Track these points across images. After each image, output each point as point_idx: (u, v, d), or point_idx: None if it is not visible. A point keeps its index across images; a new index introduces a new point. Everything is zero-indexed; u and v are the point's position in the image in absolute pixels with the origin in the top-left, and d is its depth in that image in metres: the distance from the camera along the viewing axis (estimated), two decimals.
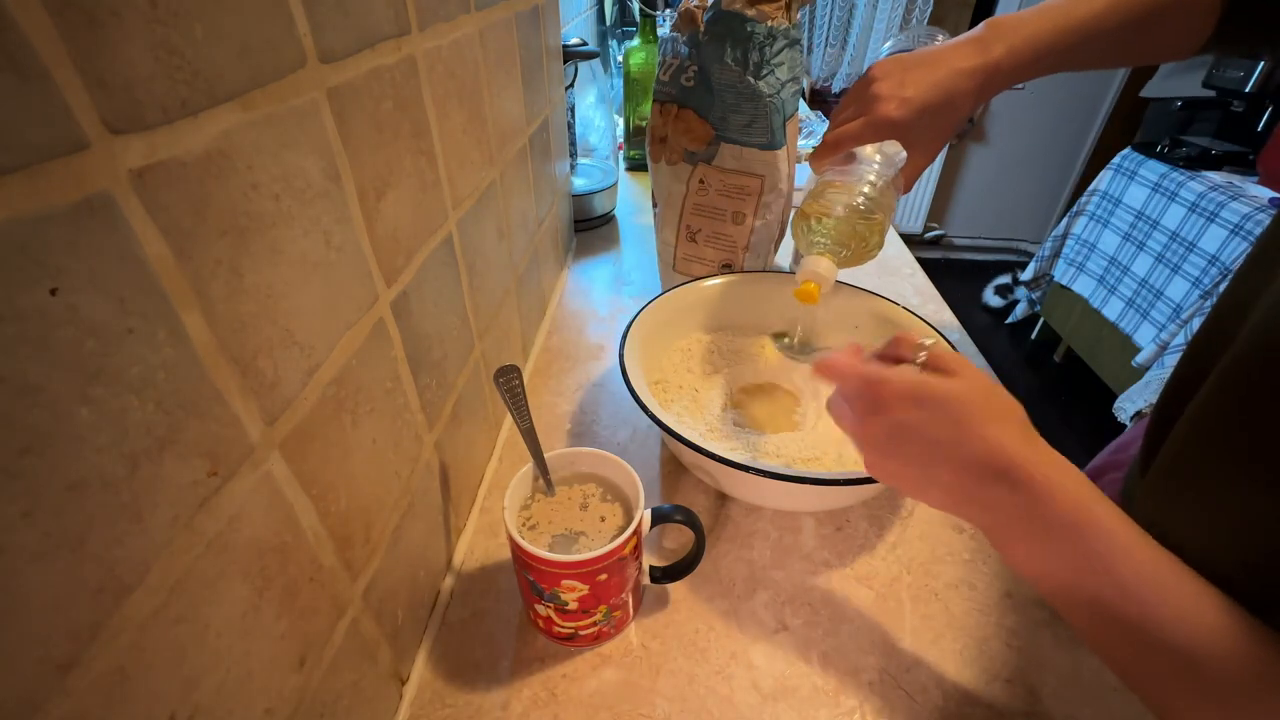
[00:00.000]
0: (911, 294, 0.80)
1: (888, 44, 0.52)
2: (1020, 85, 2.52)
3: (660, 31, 1.05)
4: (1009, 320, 2.51)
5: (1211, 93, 1.89)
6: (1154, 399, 1.64)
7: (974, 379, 0.32)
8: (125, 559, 0.17)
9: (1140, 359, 1.76)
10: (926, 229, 2.98)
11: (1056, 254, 2.21)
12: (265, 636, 0.24)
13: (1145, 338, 1.78)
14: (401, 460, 0.36)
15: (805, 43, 2.46)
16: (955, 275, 2.92)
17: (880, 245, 0.47)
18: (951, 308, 0.77)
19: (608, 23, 1.36)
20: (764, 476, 0.39)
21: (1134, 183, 1.91)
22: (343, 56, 0.27)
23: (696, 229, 0.68)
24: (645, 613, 0.42)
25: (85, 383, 0.16)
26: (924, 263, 0.88)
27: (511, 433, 0.58)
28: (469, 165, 0.44)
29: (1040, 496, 0.28)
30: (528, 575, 0.36)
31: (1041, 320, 2.38)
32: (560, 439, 0.57)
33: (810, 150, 0.52)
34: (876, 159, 0.48)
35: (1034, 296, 2.36)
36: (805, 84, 2.50)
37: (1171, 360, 1.64)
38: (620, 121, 1.15)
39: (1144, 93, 2.17)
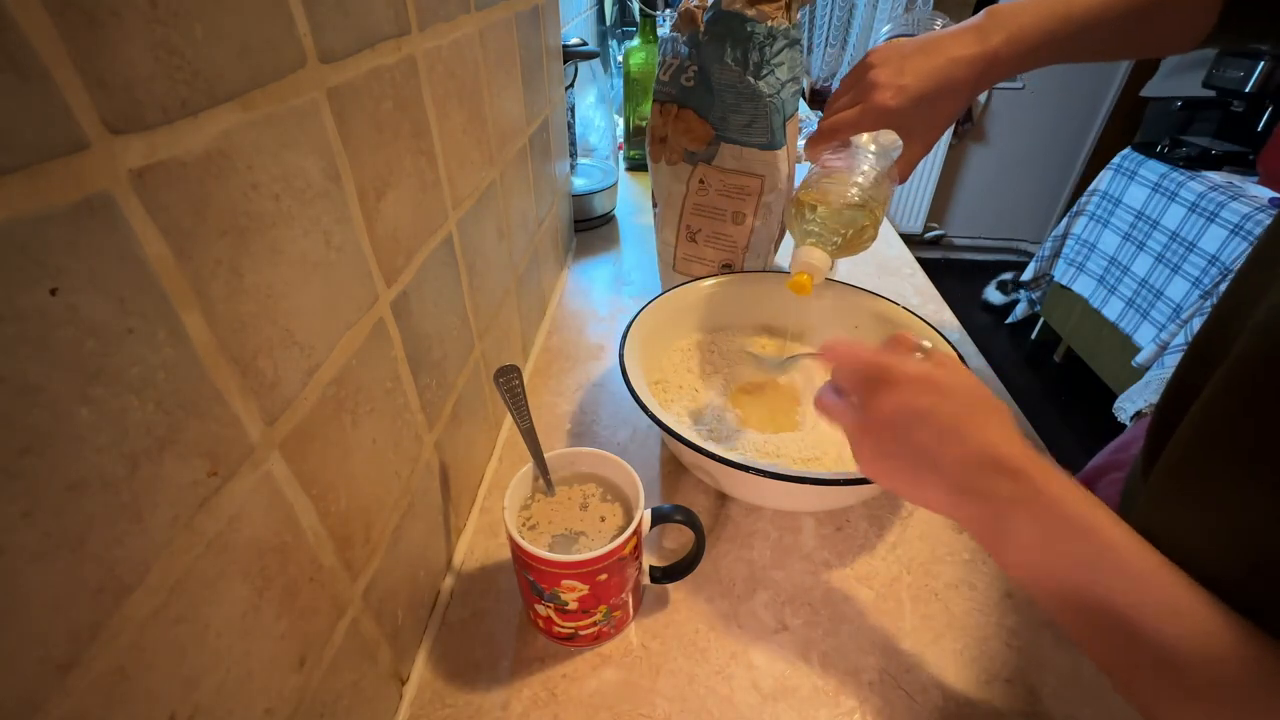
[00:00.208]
0: (911, 294, 0.80)
1: (887, 27, 0.52)
2: (1020, 84, 2.51)
3: (660, 31, 1.05)
4: (1009, 320, 2.51)
5: (1211, 93, 1.89)
6: (1154, 399, 1.64)
7: (973, 380, 0.32)
8: (125, 559, 0.17)
9: (1140, 359, 1.76)
10: (926, 229, 2.98)
11: (1056, 254, 2.21)
12: (265, 636, 0.24)
13: (1145, 338, 1.78)
14: (401, 460, 0.36)
15: (805, 43, 2.46)
16: (955, 275, 2.92)
17: (875, 236, 0.47)
18: (951, 308, 0.77)
19: (608, 23, 1.36)
20: (764, 476, 0.39)
21: (1134, 183, 1.91)
22: (343, 56, 0.27)
23: (696, 229, 0.68)
24: (645, 613, 0.42)
25: (85, 383, 0.16)
26: (924, 263, 0.88)
27: (511, 433, 0.58)
28: (469, 165, 0.44)
29: (1040, 491, 0.28)
30: (528, 575, 0.36)
31: (1041, 320, 2.38)
32: (560, 439, 0.57)
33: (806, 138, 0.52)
34: (872, 148, 0.48)
35: (1034, 296, 2.36)
36: (805, 84, 2.50)
37: (1171, 360, 1.64)
38: (620, 121, 1.15)
39: (1144, 92, 2.17)
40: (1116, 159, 2.01)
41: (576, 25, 1.07)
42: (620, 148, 1.14)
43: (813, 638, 0.41)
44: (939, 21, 0.53)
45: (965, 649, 0.40)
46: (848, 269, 0.82)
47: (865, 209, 0.45)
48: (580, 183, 0.93)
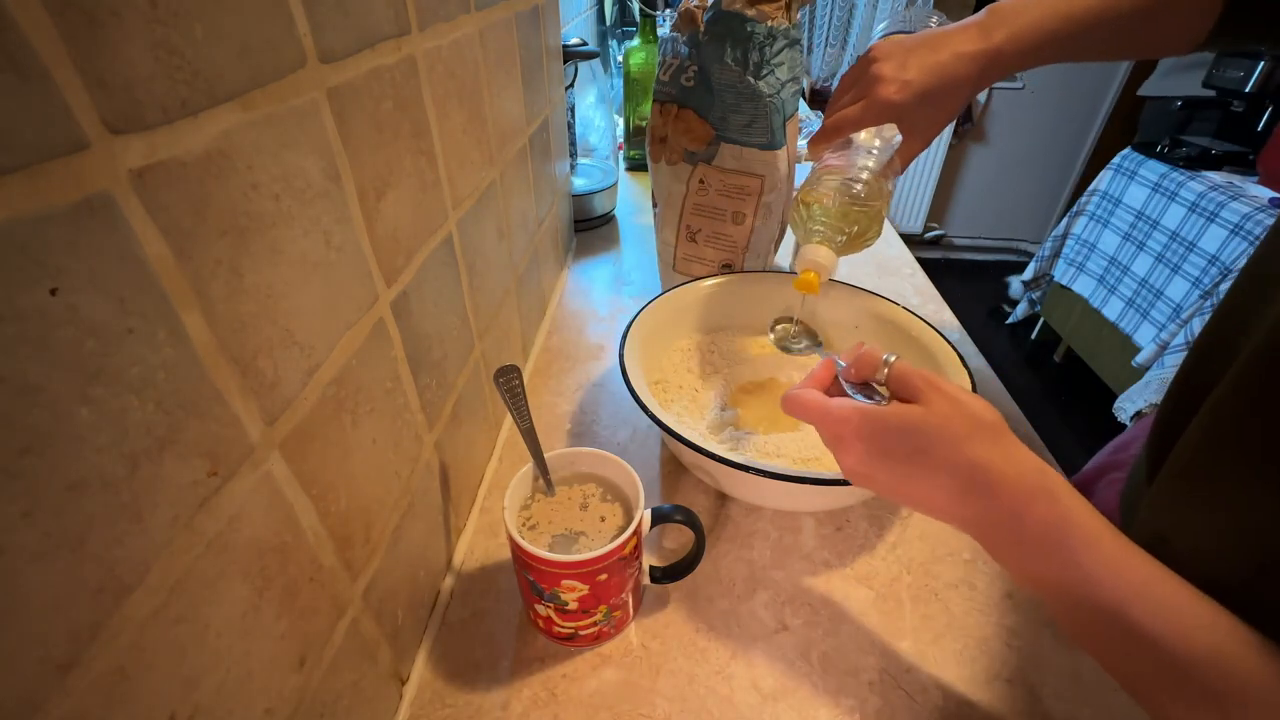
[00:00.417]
0: (911, 294, 0.80)
1: (883, 24, 0.51)
2: (1020, 84, 2.51)
3: (660, 31, 1.05)
4: (1009, 320, 2.51)
5: (1211, 92, 1.89)
6: (1154, 399, 1.64)
7: (936, 399, 0.31)
8: (125, 559, 0.17)
9: (1140, 359, 1.76)
10: (926, 229, 2.98)
11: (1056, 254, 2.21)
12: (265, 636, 0.24)
13: (1145, 338, 1.78)
14: (401, 460, 0.36)
15: (805, 43, 2.46)
16: (955, 275, 2.92)
17: (879, 233, 0.46)
18: (951, 308, 0.77)
19: (608, 23, 1.36)
20: (764, 476, 0.39)
21: (1134, 183, 1.91)
22: (343, 56, 0.27)
23: (696, 229, 0.68)
24: (645, 613, 0.42)
25: (85, 383, 0.16)
26: (924, 263, 0.88)
27: (511, 433, 0.58)
28: (469, 165, 0.44)
29: (1017, 508, 0.28)
30: (528, 575, 0.36)
31: (1041, 320, 2.38)
32: (560, 439, 0.57)
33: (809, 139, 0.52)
34: (875, 144, 0.47)
35: (1034, 296, 2.36)
36: (805, 84, 2.50)
37: (1172, 360, 1.64)
38: (620, 121, 1.15)
39: (1142, 91, 2.17)
40: (1116, 159, 2.01)
41: (576, 25, 1.07)
42: (620, 148, 1.14)
43: (813, 638, 0.41)
44: (934, 19, 0.53)
45: (965, 649, 0.40)
46: (848, 269, 0.82)
47: (869, 205, 0.45)
48: (580, 183, 0.93)
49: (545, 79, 0.67)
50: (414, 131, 0.35)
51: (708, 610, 0.42)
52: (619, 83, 1.13)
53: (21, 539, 0.15)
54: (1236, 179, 1.71)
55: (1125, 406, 1.69)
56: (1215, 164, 1.78)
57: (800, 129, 1.14)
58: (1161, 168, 1.83)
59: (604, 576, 0.35)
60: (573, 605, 0.36)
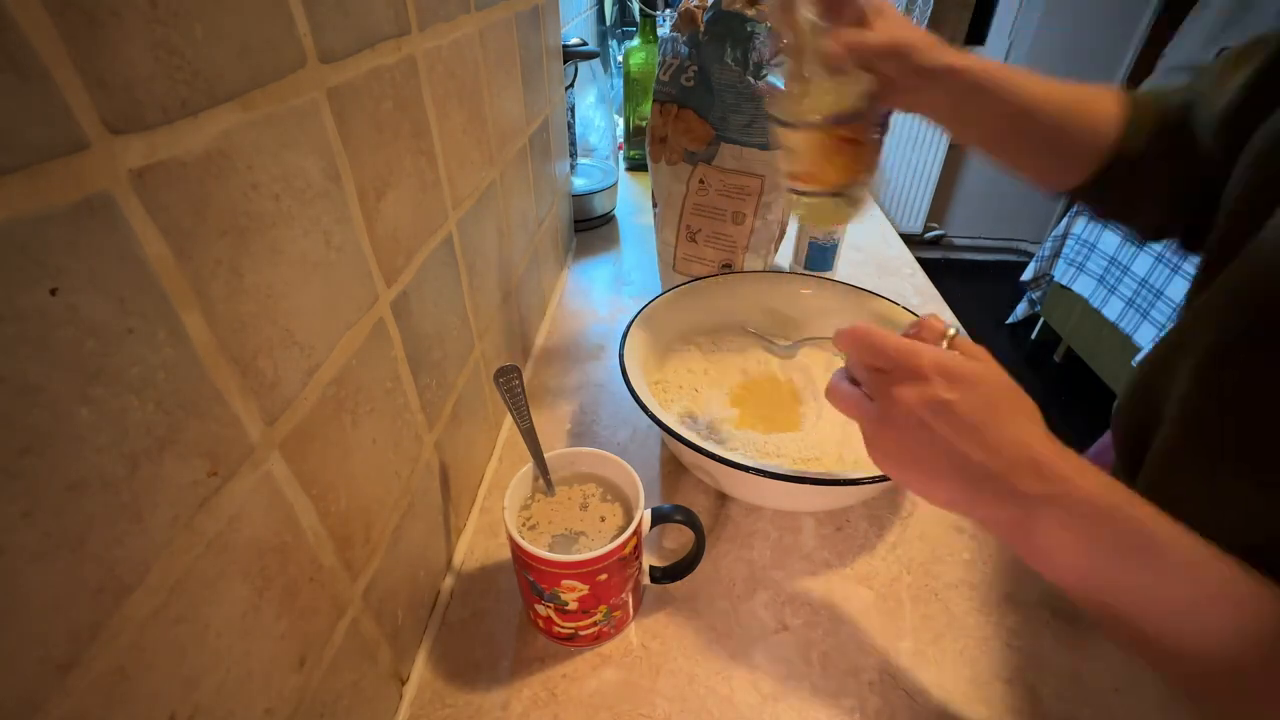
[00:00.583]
0: (911, 294, 0.80)
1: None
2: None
3: (660, 31, 1.05)
4: (1009, 320, 2.51)
5: None
6: None
7: (999, 371, 0.31)
8: (125, 559, 0.17)
9: (1140, 359, 1.76)
10: (926, 229, 2.98)
11: (1056, 254, 2.21)
12: (265, 636, 0.24)
13: (1145, 338, 1.78)
14: (401, 460, 0.36)
15: None
16: (955, 275, 2.92)
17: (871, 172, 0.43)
18: (951, 308, 0.77)
19: (608, 23, 1.36)
20: (764, 476, 0.39)
21: None
22: (343, 56, 0.27)
23: (696, 229, 0.68)
24: (645, 613, 0.42)
25: (85, 383, 0.16)
26: (924, 263, 0.88)
27: (511, 433, 0.58)
28: (469, 165, 0.44)
29: (1072, 488, 0.28)
30: (528, 575, 0.36)
31: (1041, 320, 2.37)
32: (560, 439, 0.57)
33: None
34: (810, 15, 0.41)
35: (1034, 296, 2.36)
36: None
37: None
38: (620, 121, 1.15)
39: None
40: None
41: (576, 25, 1.07)
42: (620, 148, 1.14)
43: (813, 638, 0.41)
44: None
45: (965, 649, 0.40)
46: (848, 270, 0.82)
47: (836, 84, 0.41)
48: (580, 183, 0.93)
49: (545, 79, 0.67)
50: (414, 131, 0.35)
51: (708, 610, 0.42)
52: (619, 83, 1.13)
53: (21, 539, 0.15)
54: None
55: None
56: None
57: None
58: None
59: (604, 576, 0.35)
60: (573, 605, 0.36)
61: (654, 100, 0.65)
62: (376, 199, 0.31)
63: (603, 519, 0.39)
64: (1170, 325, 1.70)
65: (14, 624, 0.15)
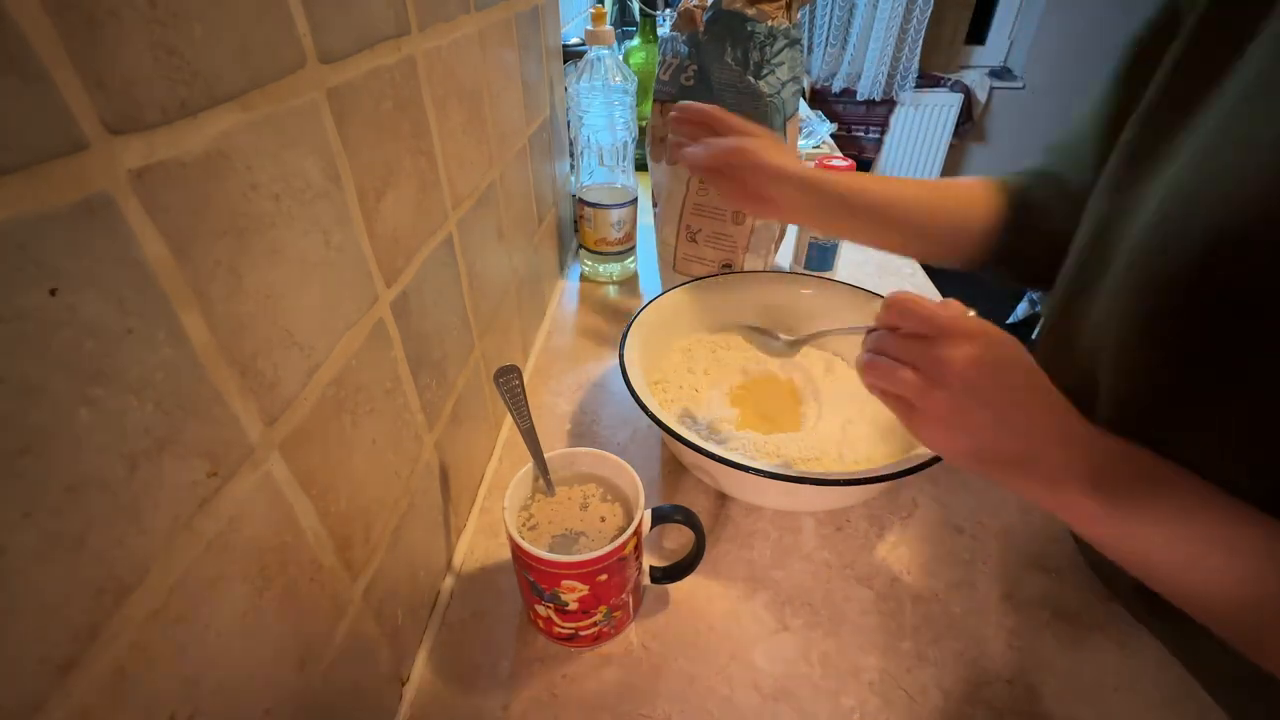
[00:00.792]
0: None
1: None
2: (1020, 84, 2.50)
3: (660, 31, 1.05)
4: (1009, 320, 2.51)
5: None
6: None
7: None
8: (125, 559, 0.17)
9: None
10: None
11: None
12: (265, 636, 0.24)
13: None
14: (401, 460, 0.36)
15: (805, 43, 2.46)
16: (955, 275, 2.91)
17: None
18: None
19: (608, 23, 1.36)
20: (764, 476, 0.39)
21: None
22: (342, 57, 0.27)
23: (696, 229, 0.68)
24: (645, 613, 0.42)
25: (85, 383, 0.16)
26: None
27: (511, 433, 0.58)
28: (469, 165, 0.44)
29: (1128, 451, 0.30)
30: (528, 575, 0.36)
31: (1041, 320, 2.37)
32: (560, 439, 0.57)
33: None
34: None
35: (1034, 297, 2.36)
36: (805, 84, 2.50)
37: None
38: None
39: None
40: None
41: (576, 25, 1.07)
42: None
43: (813, 638, 0.41)
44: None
45: (965, 649, 0.40)
46: (849, 270, 0.82)
47: None
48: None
49: (545, 79, 0.67)
50: (414, 132, 0.35)
51: (708, 610, 0.42)
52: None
53: (22, 539, 0.15)
54: None
55: None
56: None
57: (800, 129, 1.14)
58: None
59: (604, 577, 0.35)
60: (573, 605, 0.36)
61: (654, 100, 0.66)
62: (376, 199, 0.31)
63: (603, 519, 0.39)
64: None
65: (14, 624, 0.15)
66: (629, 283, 0.82)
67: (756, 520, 0.49)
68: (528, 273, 0.64)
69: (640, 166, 1.14)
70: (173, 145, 0.18)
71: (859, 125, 2.69)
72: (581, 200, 0.75)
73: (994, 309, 2.63)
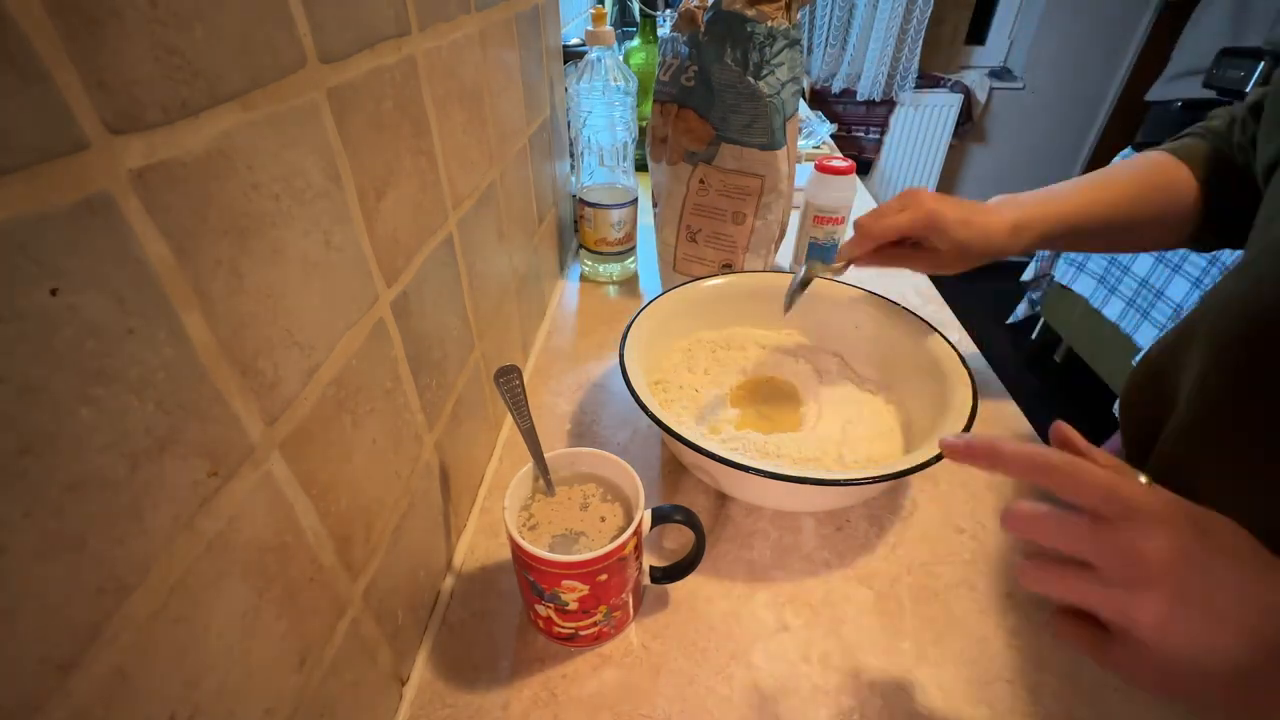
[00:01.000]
0: (912, 294, 0.80)
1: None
2: (1020, 84, 2.49)
3: (660, 31, 1.05)
4: (1009, 320, 2.51)
5: (1212, 93, 1.89)
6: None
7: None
8: (125, 559, 0.17)
9: (1141, 356, 1.75)
10: None
11: (1057, 254, 2.21)
12: (265, 636, 0.24)
13: (1146, 338, 1.78)
14: (401, 460, 0.36)
15: (805, 43, 2.46)
16: (955, 275, 2.92)
17: None
18: (951, 307, 0.77)
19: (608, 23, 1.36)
20: (764, 476, 0.39)
21: None
22: (343, 57, 0.27)
23: (697, 229, 0.68)
24: (645, 613, 0.42)
25: (85, 383, 0.16)
26: None
27: (512, 433, 0.58)
28: (469, 165, 0.44)
29: None
30: (528, 575, 0.36)
31: (1042, 320, 2.37)
32: (560, 439, 0.57)
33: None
34: None
35: (1034, 297, 2.36)
36: (805, 84, 2.50)
37: None
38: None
39: (1149, 96, 2.17)
40: (1116, 159, 2.01)
41: (577, 25, 1.07)
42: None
43: (813, 638, 0.41)
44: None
45: (965, 649, 0.40)
46: (849, 270, 0.82)
47: None
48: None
49: (545, 79, 0.67)
50: (414, 132, 0.35)
51: (708, 610, 0.42)
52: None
53: (22, 539, 0.15)
54: None
55: None
56: None
57: (800, 129, 1.14)
58: None
59: (604, 577, 0.35)
60: (573, 605, 0.36)
61: (654, 100, 0.66)
62: (376, 199, 0.31)
63: (603, 519, 0.39)
64: (1170, 325, 1.70)
65: (14, 624, 0.15)
66: (629, 283, 0.82)
67: (756, 520, 0.49)
68: (528, 273, 0.64)
69: (640, 167, 1.14)
70: (174, 145, 0.18)
71: (859, 125, 2.69)
72: (581, 200, 0.75)
73: (994, 309, 2.64)
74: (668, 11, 1.12)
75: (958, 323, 0.73)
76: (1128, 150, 2.00)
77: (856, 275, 0.81)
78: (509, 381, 0.39)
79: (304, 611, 0.26)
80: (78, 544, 0.16)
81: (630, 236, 0.79)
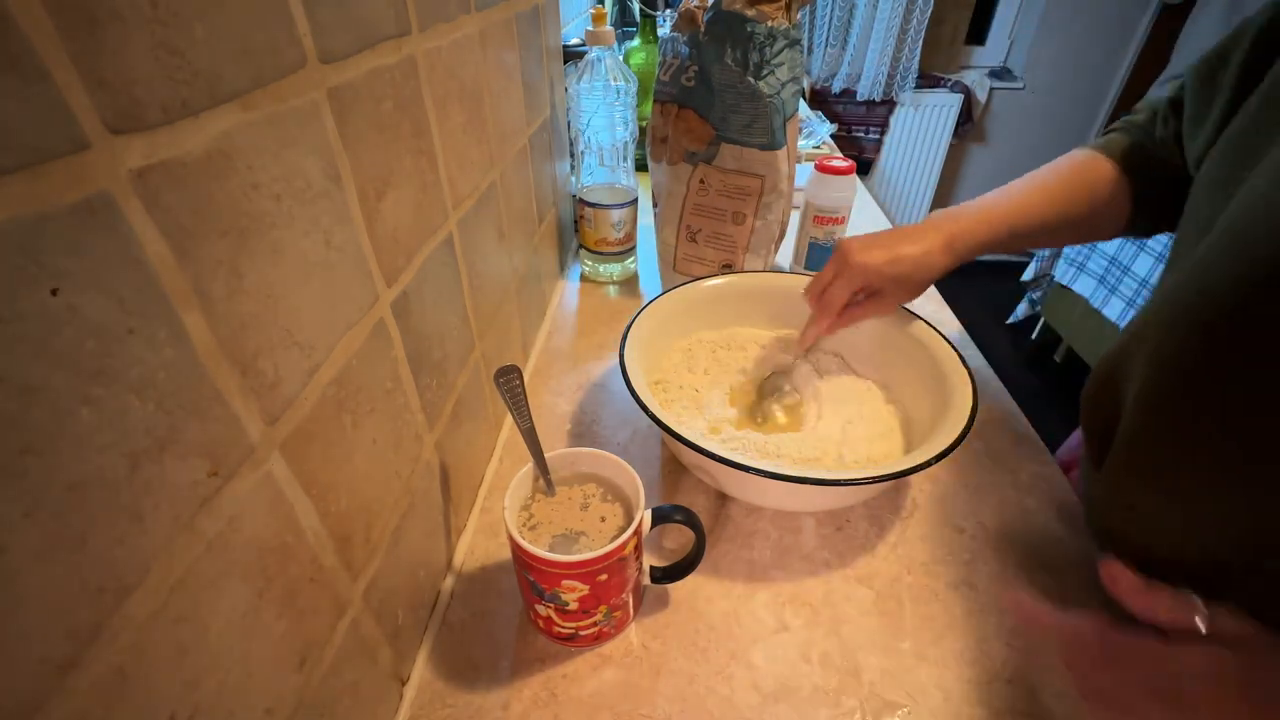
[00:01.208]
0: None
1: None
2: (1020, 84, 2.49)
3: (660, 31, 1.05)
4: (1009, 320, 2.51)
5: None
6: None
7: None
8: (126, 559, 0.17)
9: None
10: None
11: (1057, 254, 2.21)
12: (265, 637, 0.24)
13: None
14: (402, 460, 0.36)
15: (805, 43, 2.46)
16: (955, 275, 2.89)
17: None
18: (951, 307, 0.77)
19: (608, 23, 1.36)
20: (764, 476, 0.39)
21: None
22: (343, 57, 0.27)
23: (697, 229, 0.68)
24: (645, 613, 0.42)
25: (86, 383, 0.16)
26: None
27: (512, 433, 0.58)
28: (469, 165, 0.44)
29: None
30: (528, 575, 0.36)
31: (1042, 320, 2.37)
32: (560, 439, 0.57)
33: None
34: None
35: (1034, 297, 2.36)
36: (805, 84, 2.50)
37: None
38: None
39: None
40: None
41: (577, 25, 1.07)
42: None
43: (813, 638, 0.41)
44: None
45: (965, 649, 0.40)
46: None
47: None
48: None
49: (545, 79, 0.67)
50: (414, 132, 0.35)
51: (708, 610, 0.42)
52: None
53: (22, 539, 0.15)
54: None
55: None
56: None
57: (800, 129, 1.14)
58: None
59: (604, 576, 0.35)
60: (573, 605, 0.36)
61: (654, 100, 0.66)
62: (377, 199, 0.31)
63: (603, 519, 0.39)
64: None
65: (14, 624, 0.15)
66: (629, 283, 0.82)
67: (756, 520, 0.49)
68: (528, 273, 0.64)
69: (640, 167, 1.14)
70: (174, 145, 0.18)
71: (859, 125, 2.69)
72: (582, 200, 0.75)
73: (994, 309, 2.64)
74: (668, 11, 1.12)
75: (958, 323, 0.74)
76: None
77: None
78: (509, 381, 0.39)
79: (304, 612, 0.26)
80: (78, 544, 0.16)
81: (630, 236, 0.79)
